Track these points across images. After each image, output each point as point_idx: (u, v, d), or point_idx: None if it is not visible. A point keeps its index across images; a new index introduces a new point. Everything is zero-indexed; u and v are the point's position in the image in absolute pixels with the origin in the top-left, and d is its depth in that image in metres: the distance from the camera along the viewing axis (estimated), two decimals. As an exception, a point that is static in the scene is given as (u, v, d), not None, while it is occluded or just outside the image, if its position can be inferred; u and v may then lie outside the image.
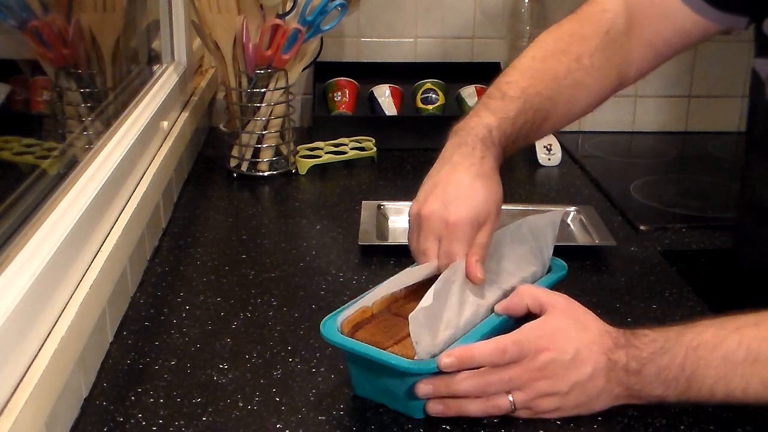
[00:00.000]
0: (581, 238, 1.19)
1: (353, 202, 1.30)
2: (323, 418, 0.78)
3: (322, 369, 0.86)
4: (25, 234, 0.75)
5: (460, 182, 0.83)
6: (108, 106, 1.17)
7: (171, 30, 1.46)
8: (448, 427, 0.77)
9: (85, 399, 0.81)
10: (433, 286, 0.76)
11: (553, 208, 1.27)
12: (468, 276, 0.81)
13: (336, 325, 0.79)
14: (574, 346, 0.74)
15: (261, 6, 1.35)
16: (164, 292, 1.03)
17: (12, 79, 1.05)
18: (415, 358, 0.75)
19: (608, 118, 1.78)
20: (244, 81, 1.40)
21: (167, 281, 1.06)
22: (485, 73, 1.57)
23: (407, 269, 0.86)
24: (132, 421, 0.78)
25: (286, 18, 1.36)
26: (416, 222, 0.84)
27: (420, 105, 1.67)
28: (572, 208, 1.26)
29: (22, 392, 0.64)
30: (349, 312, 0.81)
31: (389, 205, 1.26)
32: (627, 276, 1.09)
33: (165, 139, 1.26)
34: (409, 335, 0.75)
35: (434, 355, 0.76)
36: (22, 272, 0.70)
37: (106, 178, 0.94)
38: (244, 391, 0.83)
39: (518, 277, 0.88)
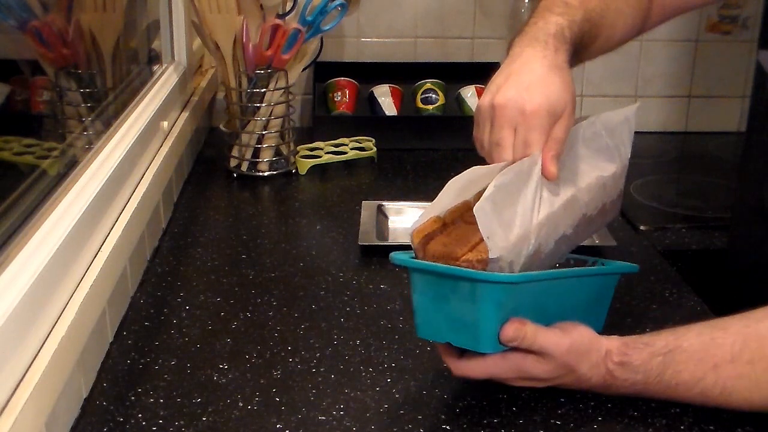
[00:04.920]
0: (581, 238, 1.18)
1: (353, 202, 1.31)
2: (323, 418, 0.78)
3: (322, 369, 0.86)
4: (25, 234, 0.75)
5: (534, 72, 0.79)
6: (108, 106, 1.17)
7: (171, 30, 1.46)
8: (448, 428, 0.77)
9: (85, 399, 0.81)
10: (497, 177, 0.72)
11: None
12: (543, 172, 0.77)
13: (405, 257, 0.77)
14: (544, 385, 0.80)
15: (261, 6, 1.35)
16: (164, 292, 1.03)
17: (12, 79, 1.05)
18: (490, 256, 0.71)
19: (608, 118, 1.77)
20: (244, 81, 1.40)
21: (167, 281, 1.06)
22: (485, 73, 1.56)
23: (474, 168, 0.78)
24: (132, 421, 0.78)
25: (286, 18, 1.36)
26: (489, 112, 0.79)
27: (420, 105, 1.67)
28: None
29: (22, 392, 0.64)
30: (420, 223, 0.77)
31: (389, 205, 1.26)
32: (627, 276, 1.09)
33: (165, 139, 1.26)
34: (483, 240, 0.71)
35: (510, 263, 0.73)
36: (22, 272, 0.70)
37: (106, 178, 0.94)
38: (244, 391, 0.83)
39: (594, 175, 0.85)
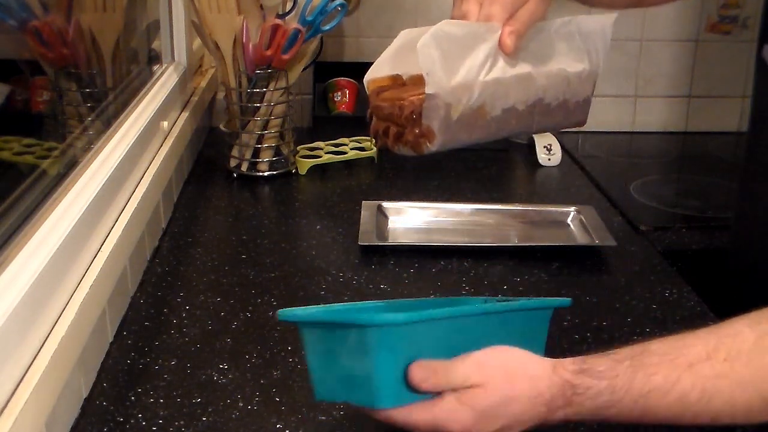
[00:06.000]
0: (581, 238, 1.19)
1: (353, 202, 1.30)
2: (323, 418, 0.78)
3: (322, 369, 0.86)
4: (25, 234, 0.75)
5: None
6: (108, 106, 1.17)
7: (171, 30, 1.46)
8: (448, 427, 0.77)
9: (85, 399, 0.81)
10: (447, 23, 0.78)
11: (554, 208, 1.27)
12: (499, 44, 0.81)
13: (292, 312, 0.70)
14: (500, 424, 0.65)
15: (261, 6, 1.35)
16: (164, 292, 1.03)
17: (12, 79, 1.05)
18: (426, 90, 0.75)
19: (608, 118, 1.78)
20: (244, 81, 1.40)
21: (167, 281, 1.06)
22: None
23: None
24: (132, 421, 0.78)
25: (286, 18, 1.36)
26: None
27: (420, 105, 1.67)
28: (572, 208, 1.26)
29: (22, 392, 0.64)
30: (378, 74, 0.82)
31: (389, 205, 1.26)
32: (627, 276, 1.09)
33: (165, 139, 1.26)
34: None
35: (447, 105, 0.77)
36: (22, 272, 0.70)
37: (106, 178, 0.94)
38: (244, 391, 0.83)
39: (556, 66, 0.88)
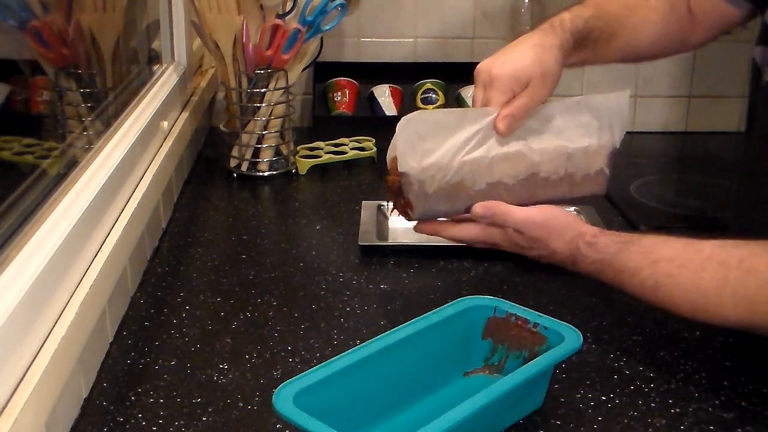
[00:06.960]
0: (581, 238, 1.18)
1: (353, 202, 1.31)
2: (323, 418, 0.78)
3: (322, 369, 0.86)
4: (25, 234, 0.75)
5: (517, 47, 0.95)
6: (108, 106, 1.18)
7: (171, 30, 1.46)
8: None
9: (85, 399, 0.81)
10: (435, 111, 0.89)
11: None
12: (494, 126, 0.90)
13: (292, 394, 0.69)
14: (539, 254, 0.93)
15: (261, 6, 1.35)
16: (164, 292, 1.03)
17: (12, 79, 1.06)
18: (399, 170, 0.88)
19: (608, 118, 1.77)
20: (244, 81, 1.40)
21: (167, 281, 1.06)
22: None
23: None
24: (132, 421, 0.78)
25: (286, 18, 1.36)
26: (474, 76, 0.96)
27: (420, 105, 1.67)
28: (572, 208, 1.25)
29: (22, 392, 0.64)
30: (393, 154, 0.90)
31: (389, 205, 1.26)
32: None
33: (165, 139, 1.26)
34: None
35: (421, 182, 0.89)
36: (22, 272, 0.70)
37: (106, 178, 0.94)
38: (244, 391, 0.83)
39: (554, 143, 0.94)
